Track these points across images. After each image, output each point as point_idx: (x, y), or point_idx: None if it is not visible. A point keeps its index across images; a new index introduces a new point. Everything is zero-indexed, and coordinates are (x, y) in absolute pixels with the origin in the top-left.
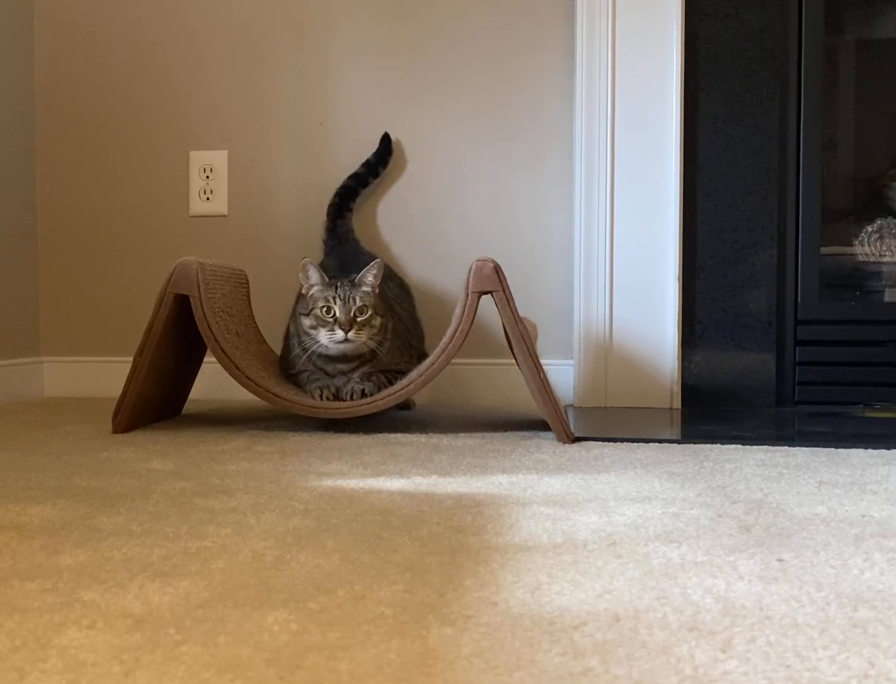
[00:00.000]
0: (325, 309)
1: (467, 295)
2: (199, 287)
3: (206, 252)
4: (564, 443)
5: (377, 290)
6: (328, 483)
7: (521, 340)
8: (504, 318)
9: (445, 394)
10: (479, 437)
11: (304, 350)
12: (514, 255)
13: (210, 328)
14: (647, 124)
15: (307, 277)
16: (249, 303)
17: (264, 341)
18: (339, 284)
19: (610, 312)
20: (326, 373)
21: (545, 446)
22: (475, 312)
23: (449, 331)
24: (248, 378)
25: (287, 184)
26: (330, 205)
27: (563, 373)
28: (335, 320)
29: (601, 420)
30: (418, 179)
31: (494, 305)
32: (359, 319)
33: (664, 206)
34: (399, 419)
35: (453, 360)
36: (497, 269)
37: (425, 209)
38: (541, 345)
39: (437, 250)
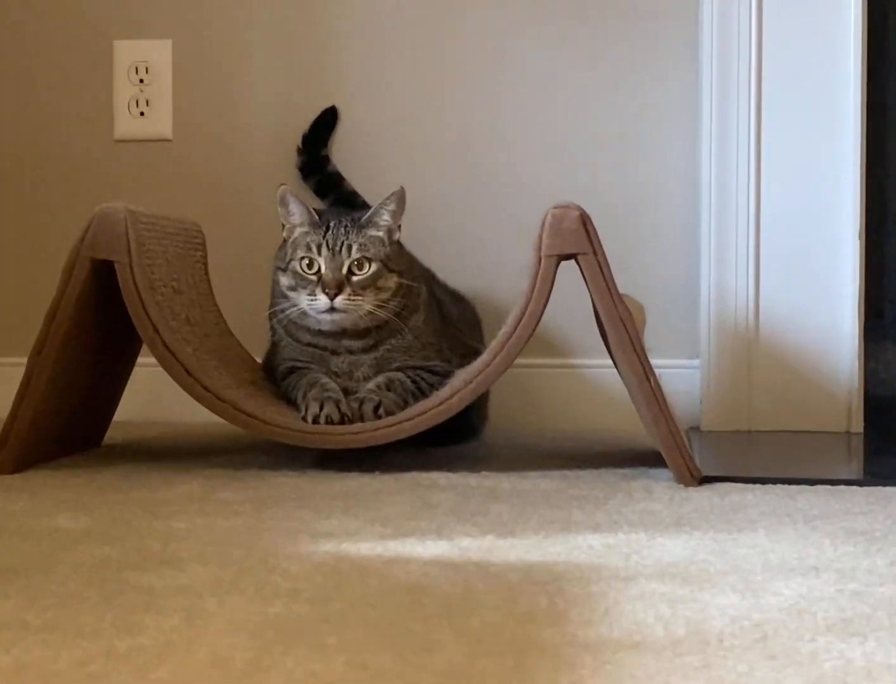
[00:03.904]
0: (306, 261)
1: (539, 259)
2: (129, 248)
3: (141, 196)
4: (687, 485)
5: (397, 236)
6: (328, 548)
7: (620, 329)
8: (595, 296)
9: (506, 410)
10: (556, 477)
11: (283, 326)
12: (608, 204)
13: (146, 311)
14: (812, 11)
15: (287, 213)
16: (207, 274)
17: (229, 332)
18: (332, 224)
19: (755, 290)
20: (320, 355)
21: (657, 490)
22: (551, 285)
23: (512, 316)
24: (204, 388)
25: (263, 92)
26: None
27: (683, 380)
28: (319, 279)
29: (742, 450)
30: (472, 96)
31: (578, 275)
32: (356, 278)
33: (839, 135)
34: (438, 450)
35: (517, 360)
36: (584, 220)
37: (467, 135)
38: (650, 337)
39: (496, 195)
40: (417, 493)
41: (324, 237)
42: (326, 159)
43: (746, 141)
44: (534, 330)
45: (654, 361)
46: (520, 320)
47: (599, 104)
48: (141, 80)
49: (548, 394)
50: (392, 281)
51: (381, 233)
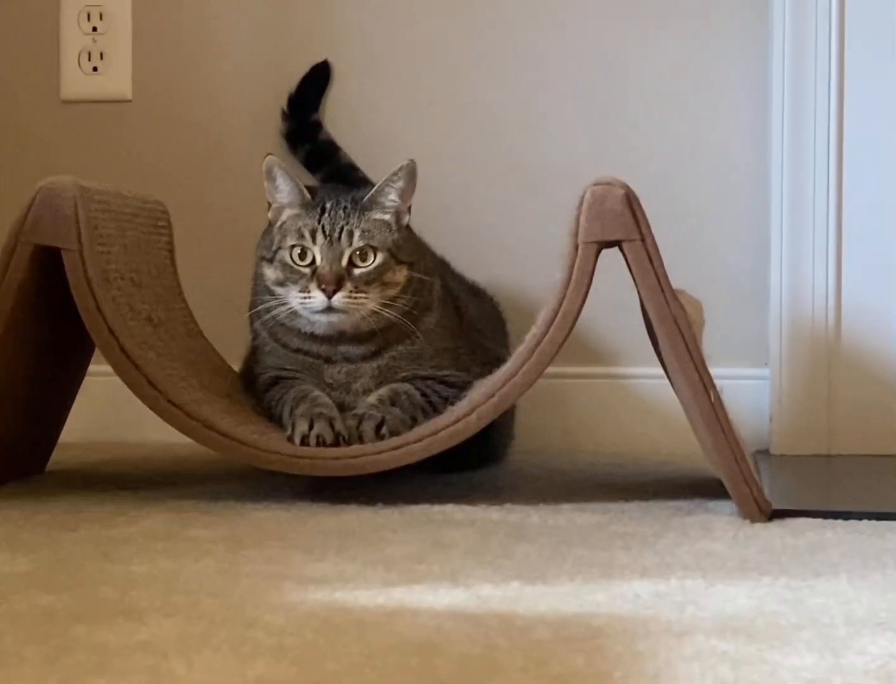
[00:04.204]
0: (298, 250)
1: (576, 247)
2: (78, 233)
3: (94, 169)
4: (753, 520)
5: (406, 220)
6: (320, 597)
7: (674, 332)
8: (643, 292)
9: (535, 428)
10: (595, 511)
11: (268, 329)
12: (659, 182)
13: (100, 309)
14: None
15: (274, 190)
16: (174, 263)
17: (200, 334)
18: (328, 205)
19: (836, 285)
20: (311, 363)
21: (718, 527)
22: (590, 278)
23: (543, 315)
24: (169, 402)
25: (241, 44)
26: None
27: (749, 394)
28: (314, 272)
29: (820, 478)
30: (496, 48)
31: (623, 266)
32: (358, 271)
33: None
34: (454, 477)
35: (549, 369)
36: (630, 199)
37: (489, 96)
38: (710, 342)
39: (524, 169)
40: (428, 530)
41: (319, 221)
42: (318, 125)
43: (826, 107)
44: (569, 332)
45: (714, 371)
46: (552, 320)
47: (647, 65)
48: (94, 29)
49: (586, 410)
50: (401, 274)
51: (387, 217)
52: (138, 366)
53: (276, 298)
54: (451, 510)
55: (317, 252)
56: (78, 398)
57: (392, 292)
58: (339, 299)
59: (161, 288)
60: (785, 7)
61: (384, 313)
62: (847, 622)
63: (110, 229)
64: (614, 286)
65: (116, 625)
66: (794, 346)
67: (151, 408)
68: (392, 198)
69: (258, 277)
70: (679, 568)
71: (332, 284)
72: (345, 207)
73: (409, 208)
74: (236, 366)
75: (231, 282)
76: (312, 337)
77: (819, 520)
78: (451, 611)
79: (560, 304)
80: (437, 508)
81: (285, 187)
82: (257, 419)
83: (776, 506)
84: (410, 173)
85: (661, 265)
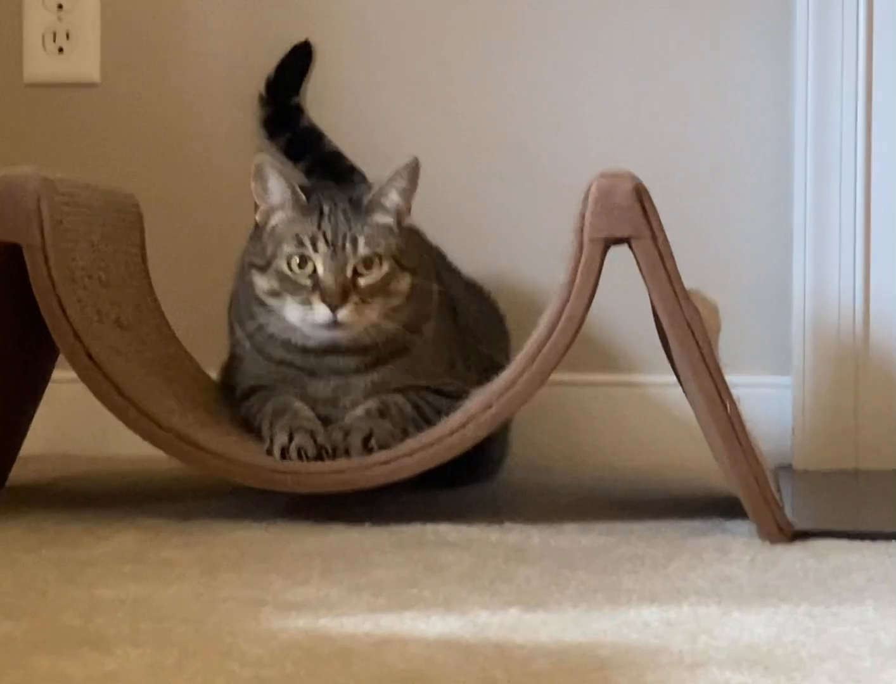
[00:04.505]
0: (296, 259)
1: (581, 244)
2: (41, 228)
3: (59, 158)
4: (773, 541)
5: (406, 221)
6: (301, 624)
7: (686, 337)
8: (654, 293)
9: (535, 440)
10: (601, 531)
11: (251, 338)
12: (672, 175)
13: (64, 311)
14: None
15: (265, 191)
16: (145, 262)
17: (174, 338)
18: (326, 208)
19: (864, 287)
20: (294, 376)
21: (734, 549)
22: (597, 278)
23: (545, 318)
24: (140, 412)
25: (216, 23)
26: None
27: (770, 404)
28: (315, 283)
29: (846, 497)
30: (500, 25)
31: (633, 265)
32: (363, 281)
33: None
34: (448, 494)
35: (552, 377)
36: (640, 193)
37: (490, 76)
38: (726, 348)
39: (528, 160)
40: (420, 552)
41: (319, 226)
42: (299, 110)
43: (853, 99)
44: (574, 336)
45: (731, 379)
46: (556, 324)
47: (660, 50)
48: (59, 6)
49: (592, 421)
50: (405, 282)
51: (389, 220)
52: (106, 373)
53: (267, 309)
54: (444, 530)
55: (318, 261)
56: (40, 407)
57: (396, 302)
58: (344, 314)
59: (131, 288)
60: None
61: (386, 325)
62: (873, 652)
63: (76, 224)
64: (623, 286)
65: (80, 655)
66: (818, 353)
67: (120, 419)
68: (394, 198)
69: (247, 285)
70: (692, 593)
71: (338, 298)
72: (344, 210)
73: (410, 209)
74: (213, 374)
75: (208, 282)
76: (301, 348)
77: (844, 542)
78: (445, 640)
79: (564, 306)
80: (429, 528)
81: (277, 188)
82: (235, 431)
83: (798, 526)
84: (413, 172)
85: (674, 265)
